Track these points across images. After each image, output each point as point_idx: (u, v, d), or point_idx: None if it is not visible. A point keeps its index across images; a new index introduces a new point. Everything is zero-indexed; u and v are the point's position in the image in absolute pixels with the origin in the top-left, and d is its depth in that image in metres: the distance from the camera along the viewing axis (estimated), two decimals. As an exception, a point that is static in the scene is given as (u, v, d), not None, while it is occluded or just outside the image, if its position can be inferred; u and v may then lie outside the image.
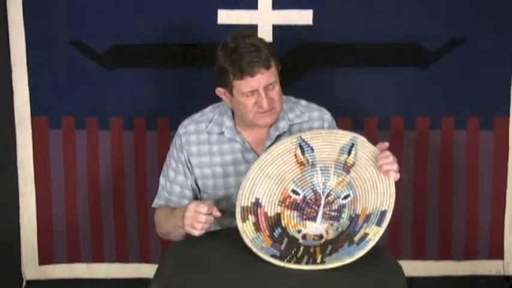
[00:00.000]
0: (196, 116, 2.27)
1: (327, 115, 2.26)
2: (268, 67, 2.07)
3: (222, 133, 2.21)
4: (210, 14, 2.57)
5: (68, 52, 2.60)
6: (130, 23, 2.59)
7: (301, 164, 2.09)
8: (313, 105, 2.27)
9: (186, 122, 2.27)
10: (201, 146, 2.22)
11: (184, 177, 2.24)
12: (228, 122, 2.21)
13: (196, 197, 2.27)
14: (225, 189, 2.21)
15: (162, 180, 2.30)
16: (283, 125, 2.20)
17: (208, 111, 2.26)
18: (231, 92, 2.11)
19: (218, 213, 2.02)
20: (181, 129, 2.25)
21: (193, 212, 2.00)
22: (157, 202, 2.30)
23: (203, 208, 2.00)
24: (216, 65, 2.11)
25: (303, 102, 2.27)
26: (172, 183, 2.26)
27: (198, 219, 1.99)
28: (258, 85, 2.07)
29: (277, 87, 2.12)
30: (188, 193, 2.25)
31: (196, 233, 2.00)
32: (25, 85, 2.63)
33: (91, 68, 2.62)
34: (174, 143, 2.27)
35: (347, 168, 2.05)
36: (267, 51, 2.07)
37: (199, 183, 2.24)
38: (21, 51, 2.61)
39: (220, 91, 2.16)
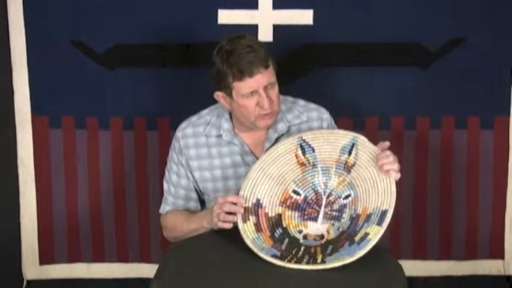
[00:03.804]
0: (194, 118, 2.26)
1: (325, 114, 2.26)
2: (266, 66, 2.06)
3: (220, 136, 2.21)
4: (210, 14, 2.57)
5: (68, 52, 2.60)
6: (131, 23, 2.59)
7: (302, 164, 2.09)
8: (311, 105, 2.27)
9: (183, 125, 2.26)
10: (199, 149, 2.22)
11: (187, 180, 2.24)
12: (226, 125, 2.20)
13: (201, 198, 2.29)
14: (225, 193, 2.20)
15: (165, 185, 2.30)
16: (281, 127, 2.20)
17: (206, 114, 2.26)
18: (230, 95, 2.10)
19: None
20: (179, 133, 2.25)
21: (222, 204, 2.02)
22: (164, 208, 2.31)
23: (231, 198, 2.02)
24: (213, 69, 2.10)
25: (301, 102, 2.27)
26: (177, 187, 2.26)
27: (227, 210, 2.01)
28: (258, 85, 2.06)
29: (276, 88, 2.12)
30: (194, 195, 2.26)
31: (226, 225, 2.01)
32: (25, 85, 2.63)
33: (91, 68, 2.62)
34: (173, 146, 2.27)
35: (348, 168, 2.05)
36: (264, 50, 2.07)
37: (200, 186, 2.24)
38: (21, 51, 2.61)
39: (218, 95, 2.15)
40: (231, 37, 2.09)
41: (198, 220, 2.15)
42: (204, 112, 2.26)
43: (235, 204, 2.01)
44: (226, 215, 2.00)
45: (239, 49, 2.05)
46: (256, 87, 2.06)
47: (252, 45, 2.06)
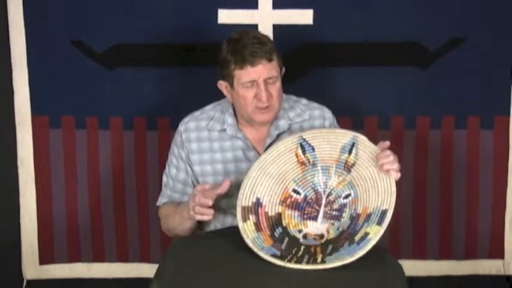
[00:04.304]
0: (197, 113, 2.27)
1: (328, 113, 2.26)
2: (270, 59, 2.08)
3: (223, 130, 2.21)
4: (210, 13, 2.58)
5: (68, 52, 2.61)
6: (131, 22, 2.59)
7: (302, 163, 2.09)
8: (314, 104, 2.28)
9: (186, 119, 2.27)
10: (201, 143, 2.23)
11: (186, 174, 2.25)
12: (230, 119, 2.21)
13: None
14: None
15: (164, 178, 2.30)
16: (283, 124, 2.21)
17: (209, 109, 2.27)
18: (231, 85, 2.12)
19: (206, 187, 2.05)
20: (181, 127, 2.26)
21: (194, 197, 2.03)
22: (160, 200, 2.32)
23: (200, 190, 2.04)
24: (219, 57, 2.13)
25: (304, 101, 2.28)
26: (175, 181, 2.26)
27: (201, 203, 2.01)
28: (259, 76, 2.08)
29: (278, 85, 2.13)
30: (190, 190, 2.25)
31: (205, 217, 2.02)
32: (25, 85, 2.64)
33: (91, 68, 2.62)
34: (174, 140, 2.28)
35: (348, 167, 2.05)
36: (271, 45, 2.10)
37: (200, 180, 2.24)
38: (21, 51, 2.61)
39: (221, 84, 2.17)
40: (242, 30, 2.14)
41: (180, 211, 2.16)
42: (208, 107, 2.27)
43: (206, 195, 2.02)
44: (201, 208, 2.01)
45: (246, 39, 2.08)
46: (256, 78, 2.08)
47: (260, 38, 2.10)
